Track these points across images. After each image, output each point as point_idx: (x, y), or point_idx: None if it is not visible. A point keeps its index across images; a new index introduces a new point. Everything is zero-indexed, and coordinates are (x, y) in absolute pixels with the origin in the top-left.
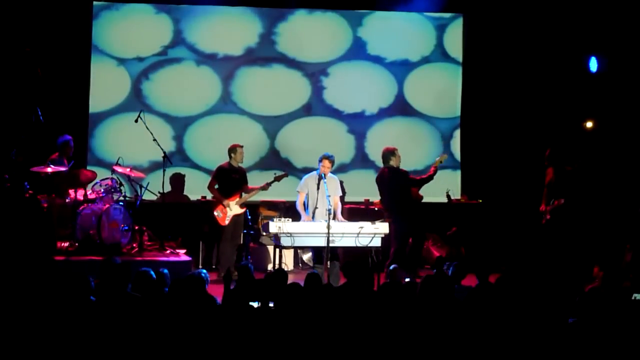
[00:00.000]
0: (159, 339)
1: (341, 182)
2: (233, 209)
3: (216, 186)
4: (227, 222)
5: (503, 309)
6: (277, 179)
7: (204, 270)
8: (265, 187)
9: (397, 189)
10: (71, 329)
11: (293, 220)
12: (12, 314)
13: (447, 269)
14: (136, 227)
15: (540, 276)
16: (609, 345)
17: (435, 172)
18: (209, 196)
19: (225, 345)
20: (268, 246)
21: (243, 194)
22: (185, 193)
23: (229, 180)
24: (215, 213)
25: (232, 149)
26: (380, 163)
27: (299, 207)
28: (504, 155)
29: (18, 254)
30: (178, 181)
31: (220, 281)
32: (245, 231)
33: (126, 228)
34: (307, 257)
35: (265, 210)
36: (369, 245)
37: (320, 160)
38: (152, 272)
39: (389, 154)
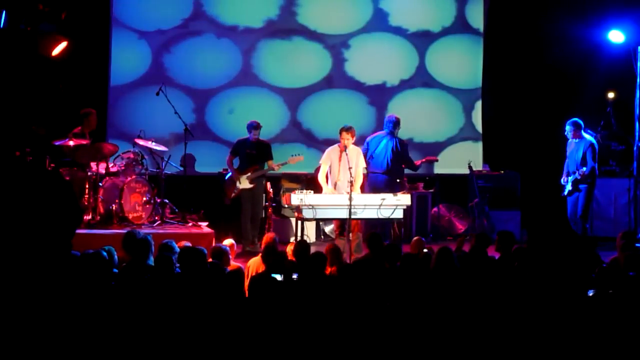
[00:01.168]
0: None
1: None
2: (242, 183)
3: (234, 160)
4: (232, 195)
5: (521, 282)
6: (291, 161)
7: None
8: (274, 168)
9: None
10: (93, 310)
11: (315, 193)
12: (33, 293)
13: (468, 240)
14: (158, 200)
15: (561, 248)
16: (627, 318)
17: (419, 166)
18: None
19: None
20: (290, 218)
21: (256, 170)
22: (206, 166)
23: (243, 154)
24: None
25: (247, 125)
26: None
27: (321, 179)
28: (525, 126)
29: (42, 228)
30: (200, 154)
31: (244, 254)
32: (266, 204)
33: (148, 201)
34: (329, 229)
35: (287, 182)
36: (390, 217)
37: (340, 133)
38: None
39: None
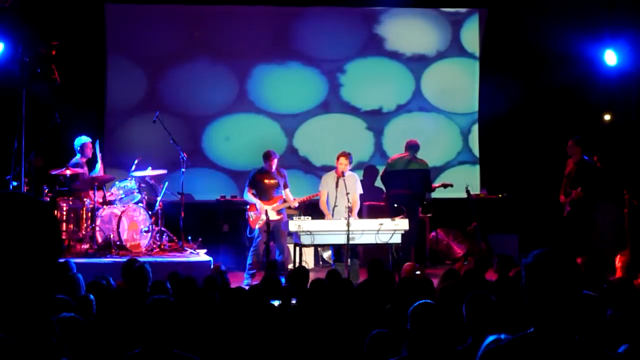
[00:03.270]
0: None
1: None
2: (270, 214)
3: (253, 191)
4: (258, 225)
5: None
6: (310, 196)
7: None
8: (292, 202)
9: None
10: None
11: (313, 219)
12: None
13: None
14: (156, 228)
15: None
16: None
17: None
18: (228, 196)
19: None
20: (289, 244)
21: (281, 201)
22: (204, 193)
23: (262, 185)
24: (250, 214)
25: (264, 155)
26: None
27: (322, 207)
28: (522, 150)
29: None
30: (197, 181)
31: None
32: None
33: (146, 229)
34: (327, 254)
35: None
36: (389, 242)
37: (337, 158)
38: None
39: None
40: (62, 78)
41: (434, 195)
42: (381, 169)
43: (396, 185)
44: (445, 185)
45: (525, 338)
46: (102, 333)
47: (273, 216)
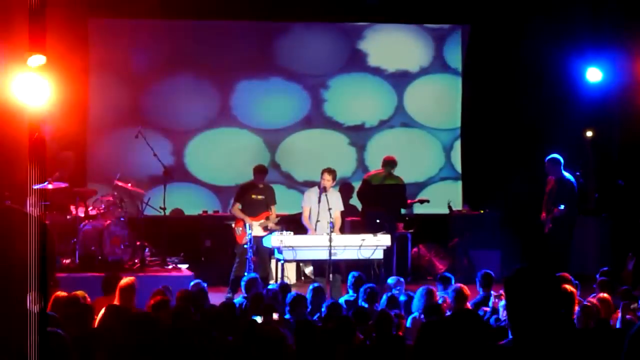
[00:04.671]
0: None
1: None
2: (255, 230)
3: (239, 206)
4: (244, 241)
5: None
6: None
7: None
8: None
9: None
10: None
11: (295, 234)
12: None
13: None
14: (137, 243)
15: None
16: None
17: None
18: (210, 211)
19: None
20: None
21: (268, 217)
22: (185, 207)
23: (249, 200)
24: (236, 229)
25: (259, 169)
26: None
27: (305, 222)
28: (505, 166)
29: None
30: (180, 196)
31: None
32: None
33: (127, 244)
34: (309, 270)
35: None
36: (371, 257)
37: (322, 174)
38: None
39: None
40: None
41: (416, 210)
42: (357, 186)
43: (372, 202)
44: (422, 201)
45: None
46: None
47: (259, 232)
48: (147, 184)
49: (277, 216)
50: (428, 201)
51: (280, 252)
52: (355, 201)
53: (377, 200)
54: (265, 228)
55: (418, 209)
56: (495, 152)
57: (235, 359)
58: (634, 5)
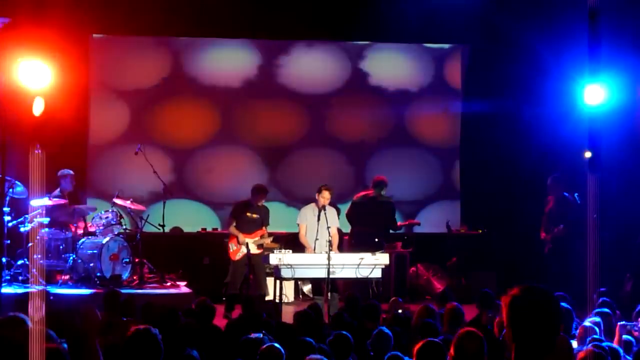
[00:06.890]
0: None
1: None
2: (250, 248)
3: (234, 224)
4: (237, 257)
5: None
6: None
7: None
8: (258, 241)
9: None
10: None
11: (293, 252)
12: None
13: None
14: (136, 260)
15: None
16: None
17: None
18: (209, 228)
19: None
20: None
21: (263, 236)
22: (185, 225)
23: (244, 218)
24: (230, 245)
25: (258, 189)
26: None
27: (302, 240)
28: (504, 186)
29: None
30: (179, 213)
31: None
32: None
33: (126, 260)
34: (307, 288)
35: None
36: (369, 276)
37: (319, 191)
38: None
39: (385, 184)
40: (45, 109)
41: (415, 230)
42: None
43: (361, 222)
44: (412, 224)
45: None
46: None
47: (253, 249)
48: (146, 201)
49: (270, 235)
50: (418, 224)
51: (277, 270)
52: (343, 222)
53: (365, 219)
54: (260, 246)
55: (416, 229)
56: (494, 172)
57: None
58: (634, 24)
